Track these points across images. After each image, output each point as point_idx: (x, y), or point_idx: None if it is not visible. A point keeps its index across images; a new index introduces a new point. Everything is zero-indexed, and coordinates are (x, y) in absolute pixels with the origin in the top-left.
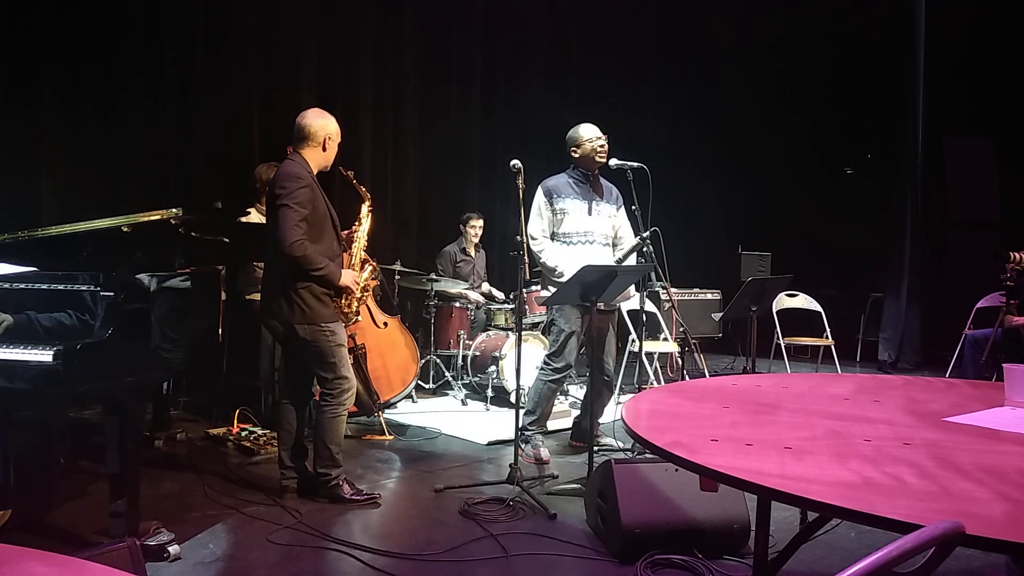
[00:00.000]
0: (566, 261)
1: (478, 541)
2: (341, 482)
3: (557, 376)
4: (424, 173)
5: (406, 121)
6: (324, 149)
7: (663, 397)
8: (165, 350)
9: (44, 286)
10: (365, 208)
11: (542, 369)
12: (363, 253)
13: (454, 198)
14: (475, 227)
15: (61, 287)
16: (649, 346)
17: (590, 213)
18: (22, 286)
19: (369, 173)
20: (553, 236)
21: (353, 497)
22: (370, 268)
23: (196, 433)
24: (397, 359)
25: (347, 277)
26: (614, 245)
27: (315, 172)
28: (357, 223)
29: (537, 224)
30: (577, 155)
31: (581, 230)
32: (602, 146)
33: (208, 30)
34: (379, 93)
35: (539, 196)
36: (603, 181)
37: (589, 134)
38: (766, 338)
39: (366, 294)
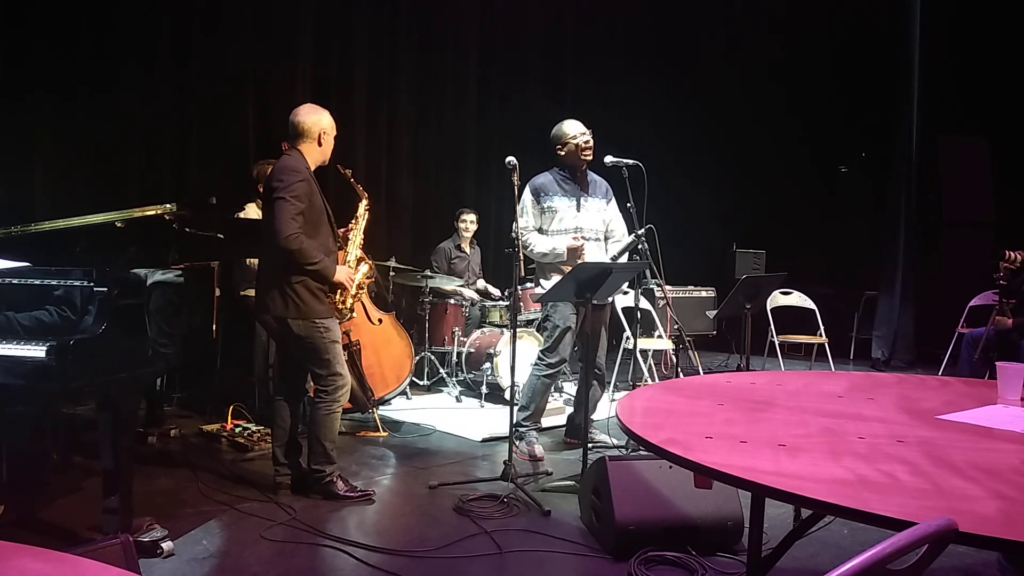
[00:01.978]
0: (556, 242)
1: (472, 538)
2: (335, 479)
3: (551, 371)
4: (419, 169)
5: (401, 117)
6: (320, 144)
7: (657, 394)
8: (161, 344)
9: (37, 281)
10: (362, 206)
11: (536, 365)
12: (359, 251)
13: (449, 195)
14: (467, 221)
15: (54, 282)
16: (643, 343)
17: (579, 209)
18: (15, 281)
19: (364, 169)
20: (542, 233)
21: (347, 494)
22: (366, 266)
23: (190, 429)
24: (392, 356)
25: (341, 273)
26: (606, 239)
27: (313, 168)
28: (354, 221)
29: (524, 221)
30: (563, 153)
31: (571, 227)
32: (586, 141)
33: (202, 24)
34: (374, 89)
35: (526, 195)
36: (592, 175)
37: (573, 131)
38: (760, 336)
39: (361, 291)
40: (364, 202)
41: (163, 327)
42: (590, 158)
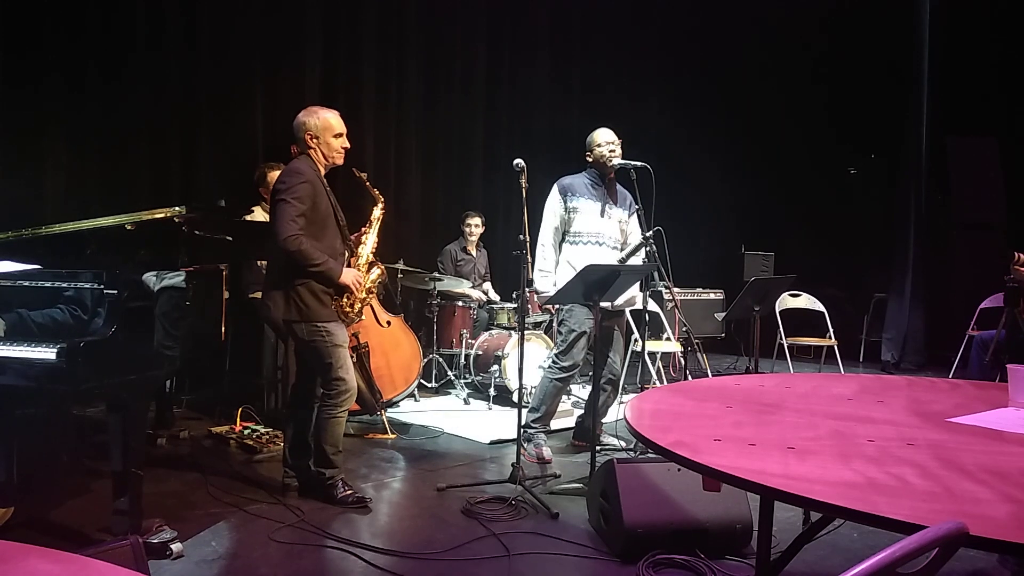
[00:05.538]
0: (560, 280)
1: (480, 540)
2: (337, 482)
3: (564, 375)
4: (427, 172)
5: (409, 119)
6: (326, 143)
7: (666, 397)
8: (167, 348)
9: (48, 283)
10: (377, 210)
11: (549, 368)
12: (371, 255)
13: (457, 197)
14: (471, 225)
15: (64, 284)
16: (652, 346)
17: (602, 215)
18: (26, 283)
19: (372, 172)
20: (564, 235)
21: (342, 498)
22: (378, 271)
23: (199, 431)
24: (400, 358)
25: (348, 275)
26: (622, 250)
27: (324, 168)
28: (368, 225)
29: (549, 224)
30: (591, 159)
31: (593, 230)
32: (612, 150)
33: (211, 23)
34: (382, 90)
35: (553, 194)
36: (619, 187)
37: (600, 138)
38: (769, 338)
39: (370, 295)
40: (379, 206)
41: (170, 330)
42: (616, 164)
